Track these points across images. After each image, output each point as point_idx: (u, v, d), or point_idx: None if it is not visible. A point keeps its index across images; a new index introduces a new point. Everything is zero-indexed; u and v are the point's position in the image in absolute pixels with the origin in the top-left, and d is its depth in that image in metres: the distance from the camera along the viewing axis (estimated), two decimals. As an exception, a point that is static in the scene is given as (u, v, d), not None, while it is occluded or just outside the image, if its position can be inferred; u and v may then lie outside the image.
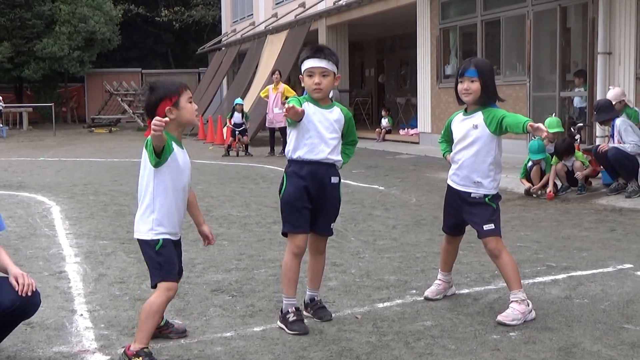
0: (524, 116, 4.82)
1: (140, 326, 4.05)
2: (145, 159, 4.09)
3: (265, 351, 4.24)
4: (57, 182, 13.04)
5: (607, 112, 9.81)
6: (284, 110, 4.45)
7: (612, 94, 10.31)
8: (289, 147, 4.73)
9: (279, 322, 4.66)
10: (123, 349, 4.10)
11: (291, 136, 4.72)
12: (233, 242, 7.40)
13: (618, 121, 9.66)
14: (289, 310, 4.61)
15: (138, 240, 4.20)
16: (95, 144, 24.16)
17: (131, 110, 34.94)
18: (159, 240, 4.10)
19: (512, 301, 4.73)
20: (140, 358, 3.97)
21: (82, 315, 5.02)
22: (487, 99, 4.88)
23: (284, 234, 4.78)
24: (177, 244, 4.26)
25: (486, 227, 4.84)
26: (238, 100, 19.38)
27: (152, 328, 4.07)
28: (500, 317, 4.65)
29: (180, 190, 4.20)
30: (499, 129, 4.77)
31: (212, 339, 4.46)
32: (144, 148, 4.05)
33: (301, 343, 4.35)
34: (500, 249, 4.83)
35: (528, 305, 4.73)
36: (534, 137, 10.60)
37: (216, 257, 6.65)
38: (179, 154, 4.17)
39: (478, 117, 4.87)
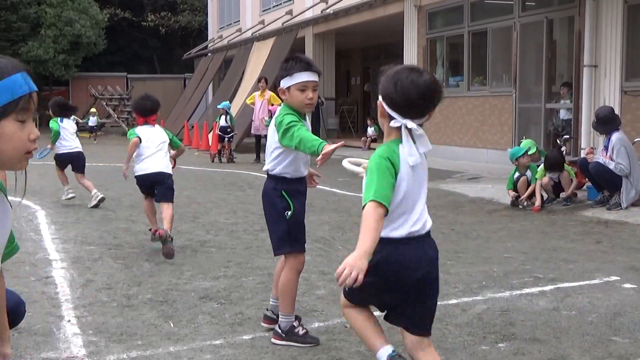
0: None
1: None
2: None
3: (255, 359, 4.24)
4: (42, 186, 12.97)
5: (608, 124, 9.63)
6: (319, 158, 3.94)
7: None
8: (282, 165, 4.43)
9: (283, 342, 4.45)
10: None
11: (283, 155, 4.40)
12: (221, 249, 7.39)
13: (615, 137, 9.49)
14: (294, 324, 4.48)
15: None
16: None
17: (116, 115, 34.82)
18: None
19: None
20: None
21: (69, 321, 4.99)
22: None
23: (288, 253, 4.49)
24: None
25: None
26: (222, 105, 19.02)
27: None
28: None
29: None
30: None
31: (201, 346, 4.45)
32: None
33: (291, 352, 4.34)
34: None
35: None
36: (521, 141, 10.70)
37: (204, 264, 6.64)
38: None
39: None
